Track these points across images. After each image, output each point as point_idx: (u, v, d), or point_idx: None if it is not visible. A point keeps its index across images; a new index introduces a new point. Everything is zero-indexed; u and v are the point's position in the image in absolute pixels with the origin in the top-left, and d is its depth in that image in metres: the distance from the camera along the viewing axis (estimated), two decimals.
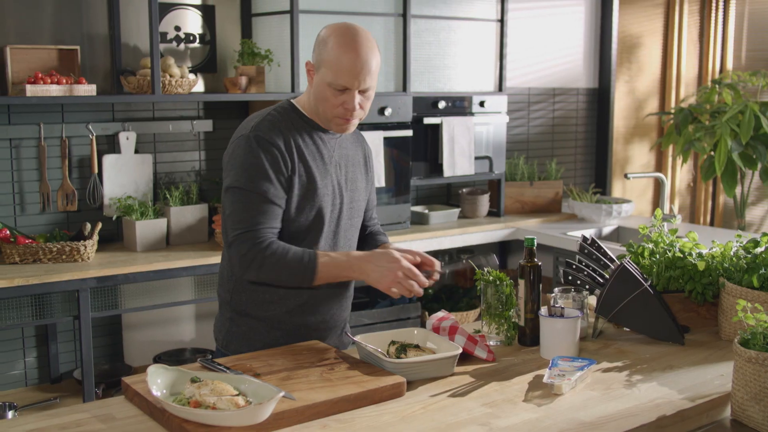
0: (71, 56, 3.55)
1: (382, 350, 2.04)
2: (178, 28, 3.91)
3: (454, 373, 2.01)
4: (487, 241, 4.41)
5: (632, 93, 5.66)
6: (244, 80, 3.80)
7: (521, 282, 2.24)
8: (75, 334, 3.78)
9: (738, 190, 5.23)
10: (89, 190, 3.70)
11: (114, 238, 3.83)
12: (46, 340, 3.72)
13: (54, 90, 3.33)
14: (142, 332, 3.95)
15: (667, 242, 2.43)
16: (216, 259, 3.56)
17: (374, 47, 2.09)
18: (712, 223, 5.95)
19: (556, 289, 2.33)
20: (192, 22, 3.95)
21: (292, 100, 2.23)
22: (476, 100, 4.44)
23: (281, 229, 2.12)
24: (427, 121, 4.23)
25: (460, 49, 4.40)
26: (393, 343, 2.10)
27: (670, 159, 5.79)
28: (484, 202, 4.59)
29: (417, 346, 2.08)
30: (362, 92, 2.10)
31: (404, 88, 4.18)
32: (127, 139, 3.79)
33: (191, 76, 3.72)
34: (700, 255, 2.37)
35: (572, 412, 1.76)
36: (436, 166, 4.33)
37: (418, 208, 4.53)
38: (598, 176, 5.52)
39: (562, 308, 2.12)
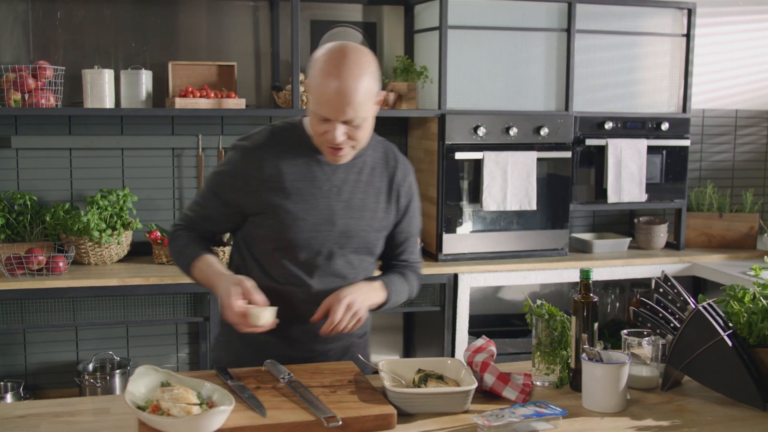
0: (229, 71, 3.76)
1: (408, 378, 1.93)
2: None
3: (469, 410, 1.84)
4: (654, 275, 4.01)
5: None
6: (392, 96, 3.79)
7: (573, 319, 2.01)
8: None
9: None
10: None
11: None
12: (197, 338, 3.96)
13: (202, 103, 3.55)
14: None
15: None
16: None
17: (363, 73, 1.86)
18: None
19: (623, 332, 2.07)
20: (353, 40, 4.02)
21: (304, 117, 2.07)
22: (653, 121, 4.06)
23: (265, 247, 2.04)
24: (591, 142, 3.94)
25: (632, 66, 4.05)
26: (419, 371, 1.97)
27: None
28: (661, 232, 4.18)
29: (440, 377, 1.94)
30: (347, 123, 1.89)
31: (566, 107, 3.92)
32: None
33: None
34: None
35: None
36: (600, 191, 4.02)
37: (584, 236, 4.25)
38: None
39: (600, 352, 1.86)
